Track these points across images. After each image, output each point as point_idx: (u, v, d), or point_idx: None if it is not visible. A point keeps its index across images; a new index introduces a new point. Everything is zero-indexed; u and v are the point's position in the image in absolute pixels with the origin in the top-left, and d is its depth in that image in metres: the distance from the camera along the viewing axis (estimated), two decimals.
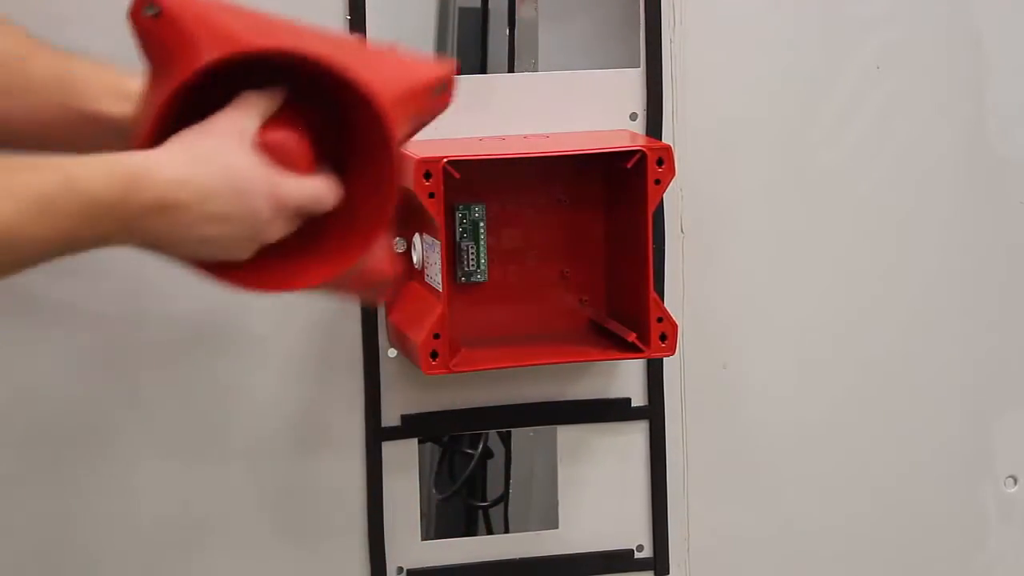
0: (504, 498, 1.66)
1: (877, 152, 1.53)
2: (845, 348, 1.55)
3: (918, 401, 1.58)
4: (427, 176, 1.29)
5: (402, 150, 1.10)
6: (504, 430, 1.60)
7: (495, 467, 1.67)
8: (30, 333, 1.37)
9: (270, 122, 1.02)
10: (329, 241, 1.06)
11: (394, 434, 1.46)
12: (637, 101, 1.46)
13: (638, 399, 1.50)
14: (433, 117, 1.13)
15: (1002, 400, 1.60)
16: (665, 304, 1.44)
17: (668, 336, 1.37)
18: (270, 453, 1.45)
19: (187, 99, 1.00)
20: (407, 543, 1.47)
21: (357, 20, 1.39)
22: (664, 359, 1.48)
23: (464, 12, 1.55)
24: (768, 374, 1.54)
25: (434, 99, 1.10)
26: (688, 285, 1.49)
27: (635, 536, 1.52)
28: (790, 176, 1.51)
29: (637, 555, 1.52)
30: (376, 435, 1.45)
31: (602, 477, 1.51)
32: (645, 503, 1.51)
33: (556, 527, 1.51)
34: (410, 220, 1.39)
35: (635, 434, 1.51)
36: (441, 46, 1.51)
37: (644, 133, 1.46)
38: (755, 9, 1.48)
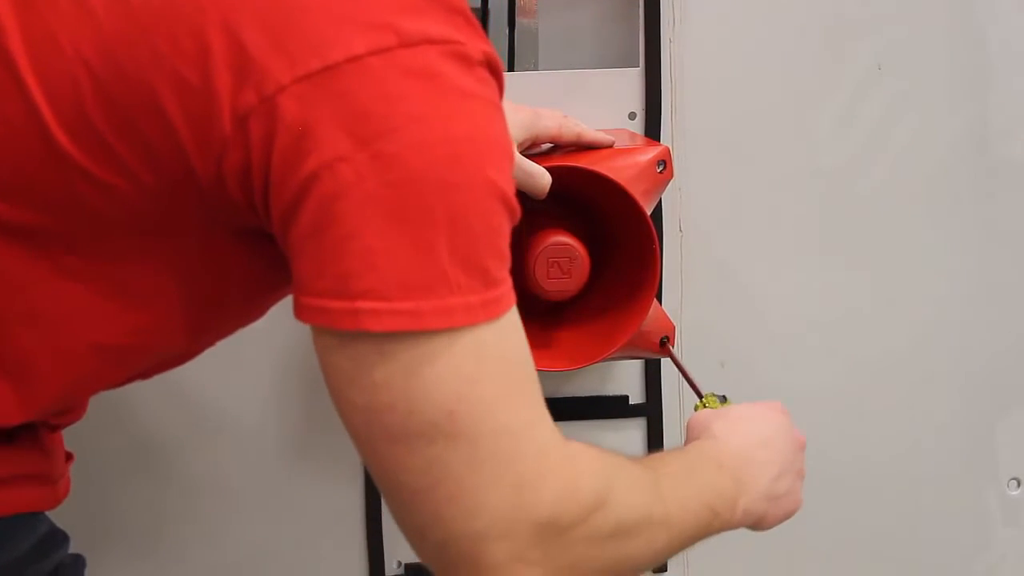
0: None
1: (878, 152, 1.52)
2: (845, 348, 1.55)
3: (920, 403, 1.57)
4: None
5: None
6: None
7: None
8: None
9: (545, 232, 1.27)
10: (610, 314, 1.30)
11: None
12: (636, 100, 1.47)
13: (636, 396, 1.51)
14: (662, 190, 1.35)
15: (1005, 403, 1.59)
16: (663, 303, 1.45)
17: (669, 339, 1.38)
18: (270, 447, 1.46)
19: None
20: None
21: None
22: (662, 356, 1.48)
23: None
24: (766, 373, 1.54)
25: (658, 176, 1.33)
26: (686, 284, 1.49)
27: None
28: (789, 175, 1.51)
29: None
30: None
31: None
32: None
33: None
34: None
35: (633, 431, 1.51)
36: None
37: (643, 132, 1.46)
38: (754, 8, 1.48)
